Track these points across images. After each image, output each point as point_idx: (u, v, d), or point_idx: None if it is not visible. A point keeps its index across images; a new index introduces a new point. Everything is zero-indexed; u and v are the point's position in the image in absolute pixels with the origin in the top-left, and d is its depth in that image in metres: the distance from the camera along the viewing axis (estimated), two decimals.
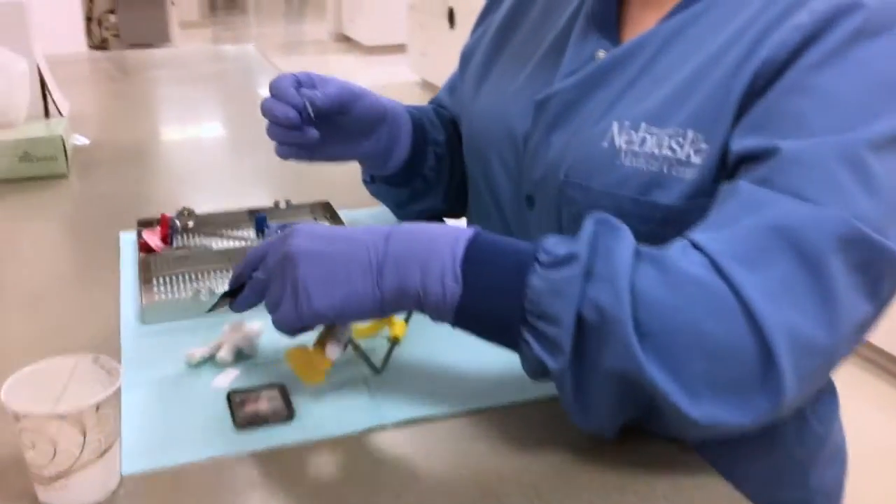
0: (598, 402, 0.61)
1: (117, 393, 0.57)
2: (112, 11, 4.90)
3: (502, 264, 0.63)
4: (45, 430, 0.55)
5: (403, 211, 1.05)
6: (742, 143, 0.66)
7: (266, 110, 0.80)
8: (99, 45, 4.95)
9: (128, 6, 4.83)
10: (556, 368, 0.60)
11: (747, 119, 0.67)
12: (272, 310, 0.68)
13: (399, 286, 0.64)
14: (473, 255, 0.63)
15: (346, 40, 8.10)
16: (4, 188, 1.22)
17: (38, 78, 1.34)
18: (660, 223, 0.71)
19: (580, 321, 0.59)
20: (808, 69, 0.64)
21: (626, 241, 0.61)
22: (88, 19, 4.89)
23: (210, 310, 0.75)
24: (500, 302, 0.62)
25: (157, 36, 4.93)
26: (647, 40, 0.75)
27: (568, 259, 0.60)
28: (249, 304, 0.71)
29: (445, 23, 5.35)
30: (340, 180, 1.25)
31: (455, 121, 1.03)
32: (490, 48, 0.95)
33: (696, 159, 0.69)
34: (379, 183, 0.99)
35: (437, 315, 0.65)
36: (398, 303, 0.65)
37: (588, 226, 0.62)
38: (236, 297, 0.72)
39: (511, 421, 0.68)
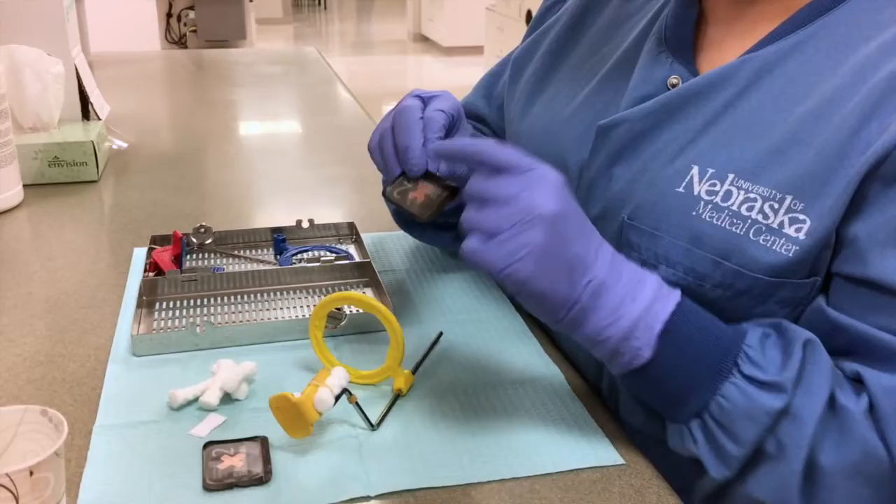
0: None
1: (59, 454, 0.51)
2: (192, 7, 4.96)
3: (700, 348, 0.58)
4: None
5: (448, 249, 0.98)
6: (883, 265, 0.56)
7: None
8: (178, 40, 5.02)
9: (205, 2, 4.87)
10: (715, 476, 0.59)
11: (881, 218, 0.56)
12: (478, 234, 0.58)
13: (587, 325, 0.59)
14: (675, 324, 0.58)
15: (424, 40, 8.07)
16: (32, 192, 1.19)
17: (75, 80, 1.31)
18: (738, 294, 0.61)
19: (757, 447, 0.57)
20: None
21: (827, 373, 0.57)
22: (169, 15, 4.97)
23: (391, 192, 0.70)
24: (684, 387, 0.59)
25: (233, 32, 4.95)
26: (732, 72, 0.65)
27: (772, 387, 0.56)
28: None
29: (523, 25, 5.26)
30: (363, 204, 1.20)
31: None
32: (544, 62, 0.86)
33: (790, 230, 0.58)
34: (431, 231, 0.91)
35: (606, 361, 0.61)
36: (575, 329, 0.60)
37: (797, 347, 0.57)
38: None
39: (520, 495, 0.60)
